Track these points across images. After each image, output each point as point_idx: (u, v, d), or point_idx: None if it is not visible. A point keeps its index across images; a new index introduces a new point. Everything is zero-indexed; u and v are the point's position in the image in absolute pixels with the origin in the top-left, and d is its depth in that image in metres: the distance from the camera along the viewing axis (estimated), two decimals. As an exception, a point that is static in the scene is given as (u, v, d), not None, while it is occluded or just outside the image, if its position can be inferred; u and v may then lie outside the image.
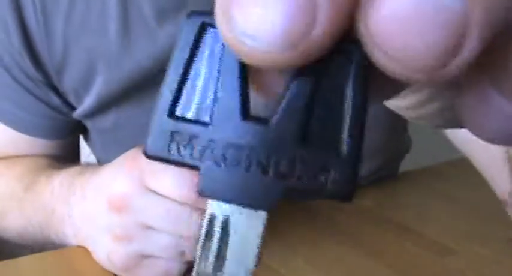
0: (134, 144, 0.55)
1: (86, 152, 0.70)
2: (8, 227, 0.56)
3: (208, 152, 0.14)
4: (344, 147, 0.14)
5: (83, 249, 0.46)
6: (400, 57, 0.11)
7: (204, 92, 0.14)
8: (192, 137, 0.14)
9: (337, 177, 0.14)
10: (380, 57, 0.12)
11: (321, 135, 0.14)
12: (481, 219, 0.54)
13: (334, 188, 0.14)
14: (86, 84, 0.54)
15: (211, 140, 0.14)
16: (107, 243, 0.42)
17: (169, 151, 0.14)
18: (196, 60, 0.14)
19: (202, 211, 0.45)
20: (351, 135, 0.14)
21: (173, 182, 0.39)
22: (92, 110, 0.55)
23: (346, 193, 0.14)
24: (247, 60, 0.12)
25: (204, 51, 0.14)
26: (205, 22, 0.14)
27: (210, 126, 0.14)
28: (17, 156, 0.60)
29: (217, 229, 0.15)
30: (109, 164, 0.44)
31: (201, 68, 0.14)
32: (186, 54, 0.14)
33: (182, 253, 0.41)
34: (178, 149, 0.14)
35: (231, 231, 0.15)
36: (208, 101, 0.14)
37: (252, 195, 0.14)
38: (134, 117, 0.55)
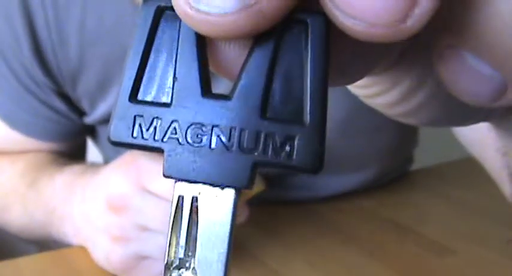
0: None
1: (93, 152, 0.70)
2: (10, 222, 0.56)
3: (170, 133, 0.14)
4: (307, 117, 0.13)
5: (83, 249, 0.46)
6: (360, 14, 0.11)
7: (165, 74, 0.14)
8: (154, 119, 0.14)
9: (302, 147, 0.13)
10: (341, 19, 0.12)
11: (283, 107, 0.14)
12: (481, 219, 0.54)
13: (300, 160, 0.13)
14: (102, 90, 0.53)
15: (173, 120, 0.14)
16: (105, 244, 0.42)
17: (132, 136, 0.14)
18: (155, 44, 0.14)
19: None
20: (313, 105, 0.13)
21: (170, 183, 0.39)
22: (107, 116, 0.55)
23: (312, 164, 0.13)
24: (204, 30, 0.12)
25: (162, 35, 0.14)
26: (161, 6, 0.14)
27: (171, 107, 0.14)
28: (21, 152, 0.60)
29: (185, 211, 0.14)
30: (108, 165, 0.44)
31: (160, 51, 0.14)
32: (144, 39, 0.14)
33: None
34: (141, 132, 0.14)
35: (200, 213, 0.14)
36: (169, 82, 0.14)
37: (218, 173, 0.14)
38: None
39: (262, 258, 0.46)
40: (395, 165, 0.64)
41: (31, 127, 0.57)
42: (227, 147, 0.14)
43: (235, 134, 0.14)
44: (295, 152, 0.13)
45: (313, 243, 0.49)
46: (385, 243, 0.49)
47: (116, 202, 0.41)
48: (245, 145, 0.14)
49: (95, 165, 0.52)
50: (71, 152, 0.62)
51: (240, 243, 0.48)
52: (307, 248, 0.48)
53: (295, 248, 0.48)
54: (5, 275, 0.45)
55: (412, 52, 0.16)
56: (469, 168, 0.49)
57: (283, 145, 0.13)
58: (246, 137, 0.14)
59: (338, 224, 0.53)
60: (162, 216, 0.40)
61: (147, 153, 0.41)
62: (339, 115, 0.51)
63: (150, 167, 0.40)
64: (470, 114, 0.19)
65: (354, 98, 0.22)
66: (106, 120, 0.55)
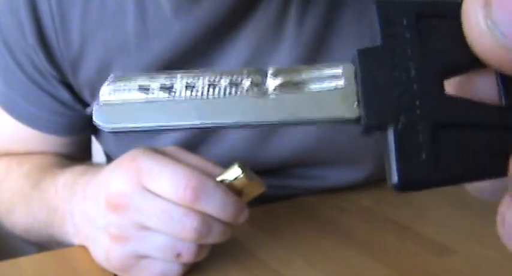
0: (150, 135, 0.55)
1: (97, 154, 0.70)
2: (16, 223, 0.57)
3: None
4: None
5: (83, 249, 0.46)
6: None
7: None
8: None
9: None
10: None
11: None
12: (481, 219, 0.54)
13: None
14: (102, 78, 0.54)
15: None
16: (105, 243, 0.42)
17: None
18: None
19: (198, 212, 0.45)
20: None
21: (169, 182, 0.39)
22: None
23: None
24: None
25: None
26: None
27: None
28: (28, 154, 0.60)
29: None
30: (109, 164, 0.44)
31: None
32: None
33: (178, 255, 0.41)
34: None
35: None
36: None
37: None
38: None
39: (262, 257, 0.47)
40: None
41: (36, 119, 0.58)
42: None
43: None
44: None
45: (313, 243, 0.49)
46: (385, 242, 0.49)
47: (115, 201, 0.41)
48: None
49: (96, 166, 0.52)
50: (76, 152, 0.62)
51: (240, 243, 0.48)
52: (307, 248, 0.48)
53: (295, 247, 0.48)
54: (5, 275, 0.45)
55: None
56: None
57: None
58: None
59: (338, 223, 0.53)
60: (160, 214, 0.40)
61: (147, 152, 0.42)
62: None
63: (149, 166, 0.40)
64: None
65: None
66: None
